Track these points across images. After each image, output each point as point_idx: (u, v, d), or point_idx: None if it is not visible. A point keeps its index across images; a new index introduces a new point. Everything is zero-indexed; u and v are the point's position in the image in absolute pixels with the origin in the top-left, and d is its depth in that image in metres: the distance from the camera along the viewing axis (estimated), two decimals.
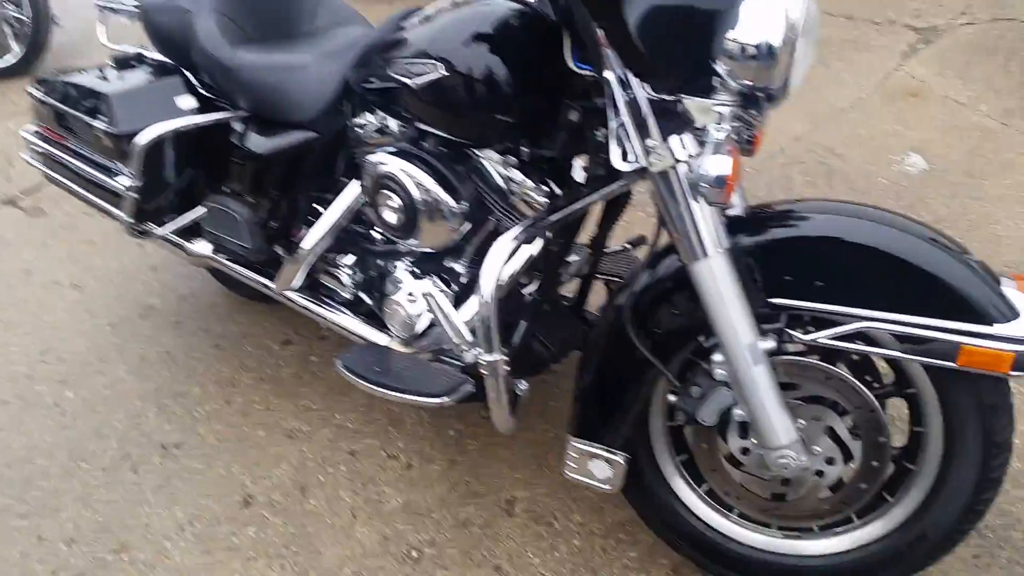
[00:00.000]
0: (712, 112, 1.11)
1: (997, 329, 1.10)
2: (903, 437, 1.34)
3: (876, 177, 2.84)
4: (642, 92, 1.14)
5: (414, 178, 1.45)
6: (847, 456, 1.32)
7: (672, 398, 1.39)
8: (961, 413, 1.22)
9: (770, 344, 1.23)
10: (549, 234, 1.43)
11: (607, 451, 1.40)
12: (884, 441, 1.28)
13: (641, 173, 1.20)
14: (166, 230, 1.99)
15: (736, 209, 1.34)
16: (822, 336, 1.20)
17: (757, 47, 1.02)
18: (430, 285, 1.51)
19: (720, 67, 1.06)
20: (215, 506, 1.83)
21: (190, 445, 1.99)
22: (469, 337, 1.40)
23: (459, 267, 1.57)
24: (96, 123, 1.85)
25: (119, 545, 1.76)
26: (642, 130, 1.14)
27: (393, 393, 1.53)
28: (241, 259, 1.92)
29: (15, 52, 4.35)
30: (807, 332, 1.22)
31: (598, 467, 1.42)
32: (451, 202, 1.44)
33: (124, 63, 2.01)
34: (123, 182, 1.86)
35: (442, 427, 1.96)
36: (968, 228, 2.50)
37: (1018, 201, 2.64)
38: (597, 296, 1.71)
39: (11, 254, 2.84)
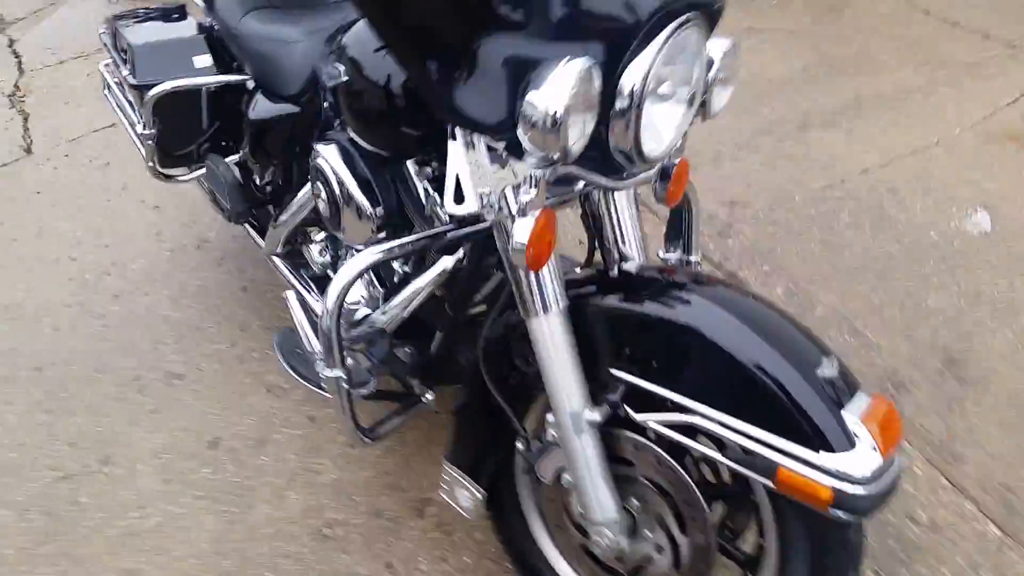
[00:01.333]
0: (526, 172, 1.06)
1: (821, 458, 0.99)
2: (751, 546, 1.27)
3: (928, 231, 2.52)
4: (481, 140, 1.09)
5: (337, 174, 1.46)
6: (675, 549, 1.26)
7: (519, 446, 1.37)
8: (793, 540, 1.13)
9: (596, 416, 1.18)
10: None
11: (470, 482, 1.42)
12: (706, 545, 1.21)
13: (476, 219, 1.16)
14: (184, 178, 2.17)
15: (629, 264, 1.27)
16: (652, 419, 1.14)
17: (543, 114, 0.95)
18: (293, 291, 1.55)
19: (519, 129, 1.00)
20: (188, 441, 2.04)
21: (189, 379, 2.21)
22: (316, 347, 1.43)
23: (393, 266, 1.60)
24: (124, 71, 2.03)
25: (104, 457, 2.02)
26: (476, 177, 1.11)
27: (297, 378, 1.61)
28: (227, 216, 2.06)
29: None
30: (641, 412, 1.16)
31: (462, 495, 1.45)
32: (367, 204, 1.45)
33: (169, 14, 2.16)
34: (138, 129, 2.05)
35: None
36: (1005, 310, 2.18)
37: None
38: None
39: (119, 168, 3.18)
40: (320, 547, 1.76)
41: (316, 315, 1.50)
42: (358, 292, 1.59)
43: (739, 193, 2.68)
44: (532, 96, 0.95)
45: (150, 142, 2.05)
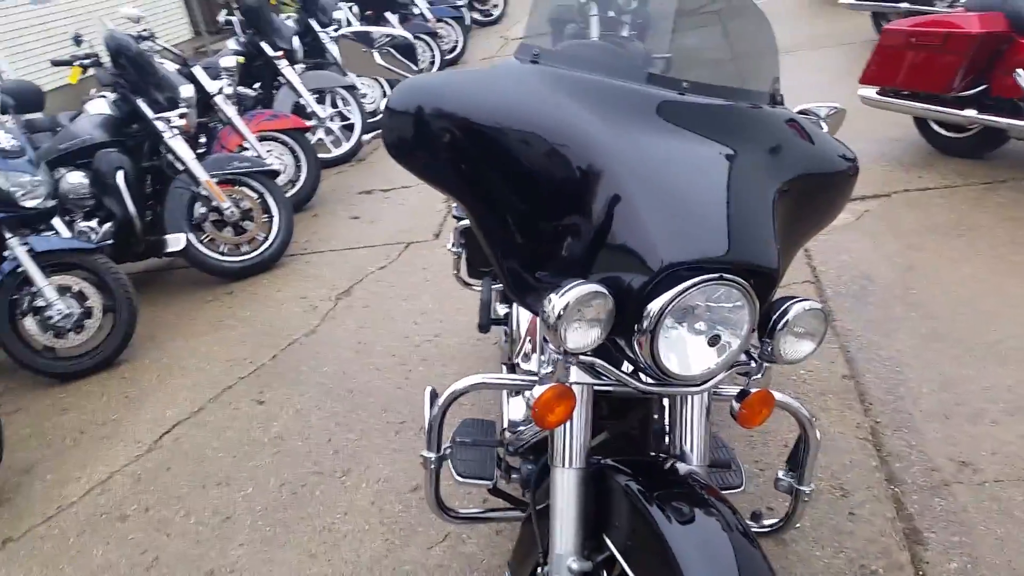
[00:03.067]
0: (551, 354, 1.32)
1: None
2: None
3: None
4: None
5: None
6: None
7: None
8: None
9: (577, 566, 1.32)
10: None
11: None
12: None
13: None
14: (476, 287, 2.73)
15: (680, 465, 1.39)
16: None
17: (547, 315, 1.20)
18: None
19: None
20: (401, 481, 2.53)
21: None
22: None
23: None
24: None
25: (346, 469, 2.62)
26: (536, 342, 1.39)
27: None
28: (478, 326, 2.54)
29: None
30: None
31: None
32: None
33: None
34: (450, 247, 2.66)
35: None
36: None
37: None
38: None
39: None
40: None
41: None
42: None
43: (981, 458, 2.31)
44: (547, 300, 1.22)
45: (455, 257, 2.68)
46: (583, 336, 1.22)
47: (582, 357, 1.29)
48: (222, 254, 4.36)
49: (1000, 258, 3.30)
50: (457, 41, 9.46)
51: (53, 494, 2.74)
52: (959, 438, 2.35)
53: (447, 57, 9.16)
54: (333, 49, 6.30)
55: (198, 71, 4.55)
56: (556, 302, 1.19)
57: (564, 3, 2.23)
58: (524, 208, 1.35)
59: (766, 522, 1.80)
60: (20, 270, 3.44)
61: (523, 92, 1.35)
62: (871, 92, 4.54)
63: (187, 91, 4.24)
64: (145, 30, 4.48)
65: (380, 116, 3.32)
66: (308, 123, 5.42)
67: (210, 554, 2.34)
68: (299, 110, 5.64)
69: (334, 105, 6.06)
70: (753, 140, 1.42)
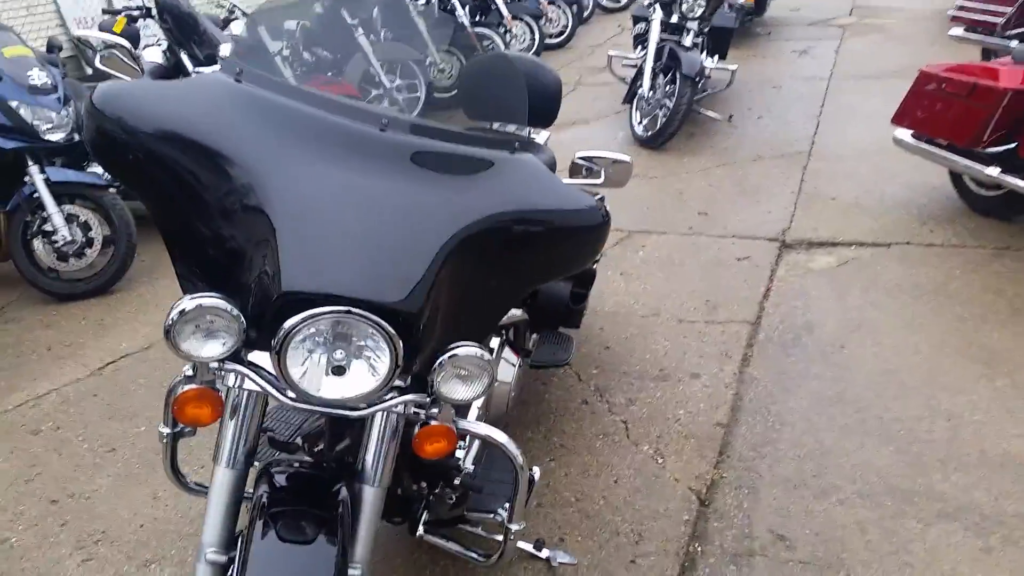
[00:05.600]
0: None
1: None
2: None
3: None
4: None
5: None
6: None
7: None
8: None
9: (216, 559, 1.44)
10: None
11: None
12: None
13: None
14: None
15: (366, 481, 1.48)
16: None
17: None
18: None
19: None
20: None
21: None
22: None
23: None
24: None
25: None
26: None
27: None
28: None
29: None
30: None
31: None
32: None
33: None
34: None
35: None
36: None
37: None
38: None
39: None
40: None
41: None
42: None
43: (802, 536, 2.18)
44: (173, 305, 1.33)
45: None
46: (203, 345, 1.32)
47: (229, 364, 1.39)
48: None
49: (955, 332, 3.08)
50: (566, 26, 9.38)
51: None
52: (793, 511, 2.27)
53: (552, 41, 9.09)
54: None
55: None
56: (175, 307, 1.29)
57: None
58: (196, 216, 1.45)
59: (477, 553, 1.86)
60: (36, 196, 3.83)
61: (209, 106, 1.44)
62: (906, 135, 4.26)
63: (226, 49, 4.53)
64: None
65: None
66: None
67: (80, 478, 2.60)
68: None
69: None
70: (448, 182, 1.46)
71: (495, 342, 2.24)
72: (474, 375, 1.41)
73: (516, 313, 2.34)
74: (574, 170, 1.86)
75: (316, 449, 1.68)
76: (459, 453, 1.80)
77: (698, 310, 3.45)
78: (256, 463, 1.55)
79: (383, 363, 1.32)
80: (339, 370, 1.33)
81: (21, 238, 3.89)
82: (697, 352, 3.13)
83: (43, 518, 2.43)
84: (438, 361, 1.38)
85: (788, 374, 2.91)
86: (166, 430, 1.75)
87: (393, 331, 1.28)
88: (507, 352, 2.31)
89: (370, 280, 1.31)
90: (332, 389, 1.34)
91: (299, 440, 1.76)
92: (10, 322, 3.79)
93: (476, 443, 1.90)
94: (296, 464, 1.57)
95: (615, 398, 2.86)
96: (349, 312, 1.27)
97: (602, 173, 1.80)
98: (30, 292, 4.00)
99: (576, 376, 3.01)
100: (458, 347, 1.39)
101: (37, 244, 3.91)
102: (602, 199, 1.63)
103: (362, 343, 1.32)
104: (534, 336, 2.61)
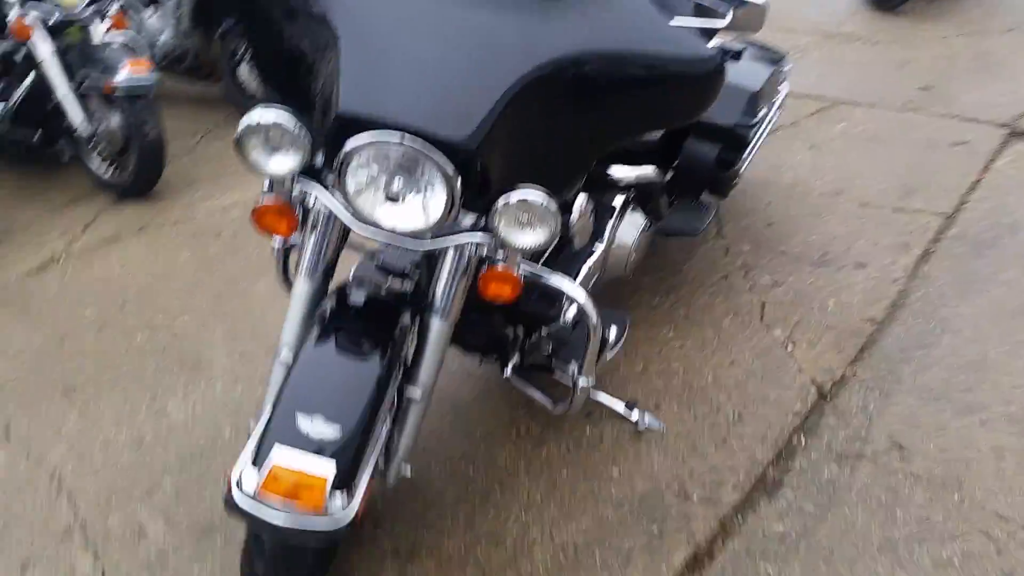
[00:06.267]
0: None
1: None
2: None
3: None
4: None
5: None
6: None
7: None
8: None
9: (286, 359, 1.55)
10: None
11: None
12: None
13: None
14: None
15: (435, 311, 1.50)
16: None
17: None
18: None
19: None
20: None
21: None
22: None
23: None
24: None
25: None
26: None
27: None
28: None
29: None
30: None
31: None
32: None
33: None
34: None
35: None
36: None
37: None
38: None
39: None
40: None
41: None
42: None
43: (922, 450, 1.90)
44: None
45: None
46: (270, 158, 1.36)
47: (302, 180, 1.42)
48: None
49: None
50: None
51: None
52: (924, 422, 2.02)
53: None
54: None
55: None
56: (243, 120, 1.33)
57: None
58: (277, 32, 1.45)
59: (551, 401, 1.85)
60: None
61: None
62: None
63: None
64: None
65: None
66: None
67: (243, 282, 2.87)
68: None
69: None
70: (536, 11, 1.35)
71: (618, 200, 2.13)
72: (537, 222, 1.34)
73: (648, 173, 2.19)
74: (699, 9, 1.64)
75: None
76: (565, 305, 1.76)
77: (888, 194, 3.06)
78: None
79: (439, 198, 1.29)
80: (395, 199, 1.32)
81: (228, 63, 4.21)
82: (871, 240, 2.80)
83: (208, 312, 2.72)
84: (499, 202, 1.33)
85: (971, 277, 2.54)
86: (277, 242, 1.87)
87: (450, 166, 1.24)
88: (633, 214, 2.19)
89: (432, 111, 1.26)
90: (388, 216, 1.33)
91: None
92: (216, 140, 4.17)
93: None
94: (371, 288, 1.61)
95: (760, 278, 2.65)
96: (401, 144, 1.24)
97: (729, 14, 1.57)
98: (237, 115, 4.34)
99: (724, 250, 2.82)
100: (520, 188, 1.32)
101: (242, 69, 4.21)
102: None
103: (421, 175, 1.30)
104: (672, 202, 2.45)
